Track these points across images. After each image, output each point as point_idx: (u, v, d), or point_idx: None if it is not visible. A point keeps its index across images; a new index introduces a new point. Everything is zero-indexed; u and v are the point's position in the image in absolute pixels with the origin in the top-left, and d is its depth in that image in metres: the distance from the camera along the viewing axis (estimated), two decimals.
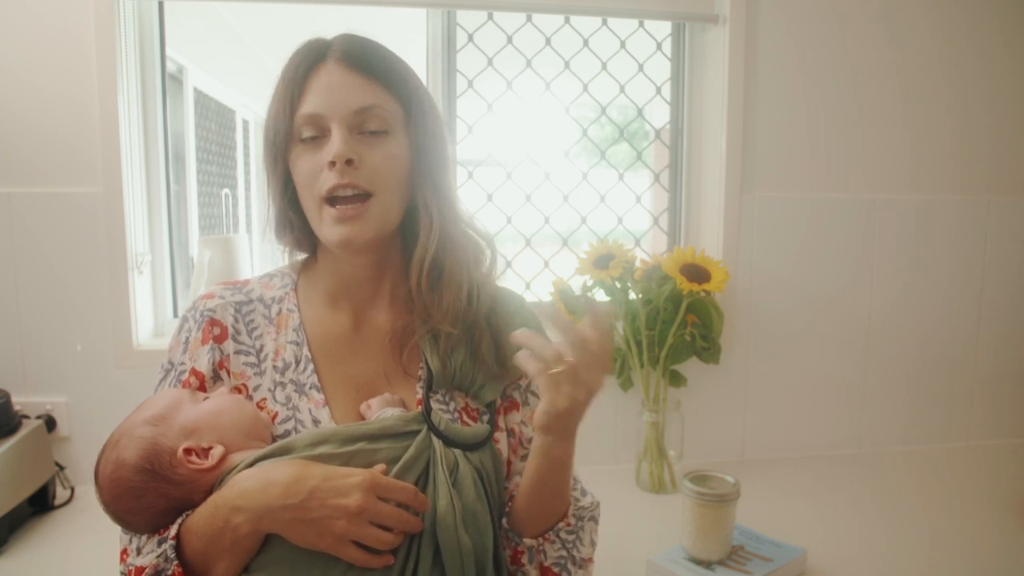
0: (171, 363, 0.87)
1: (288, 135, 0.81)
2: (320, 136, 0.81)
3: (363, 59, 0.82)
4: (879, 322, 1.77)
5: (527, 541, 0.84)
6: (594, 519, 0.90)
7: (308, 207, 0.83)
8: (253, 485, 0.72)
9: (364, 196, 0.80)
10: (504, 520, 0.86)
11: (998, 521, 1.40)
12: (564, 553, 0.85)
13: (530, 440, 0.91)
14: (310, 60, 0.82)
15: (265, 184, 0.87)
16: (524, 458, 0.92)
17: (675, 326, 1.52)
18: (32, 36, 1.42)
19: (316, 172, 0.80)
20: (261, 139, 0.86)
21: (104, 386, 1.49)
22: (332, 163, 0.79)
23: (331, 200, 0.81)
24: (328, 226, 0.81)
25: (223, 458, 0.77)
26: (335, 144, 0.79)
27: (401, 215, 0.85)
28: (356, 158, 0.79)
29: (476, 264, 0.88)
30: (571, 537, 0.85)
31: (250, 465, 0.76)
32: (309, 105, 0.80)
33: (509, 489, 0.89)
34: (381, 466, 0.76)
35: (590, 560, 0.88)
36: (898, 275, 1.77)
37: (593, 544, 0.90)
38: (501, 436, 0.89)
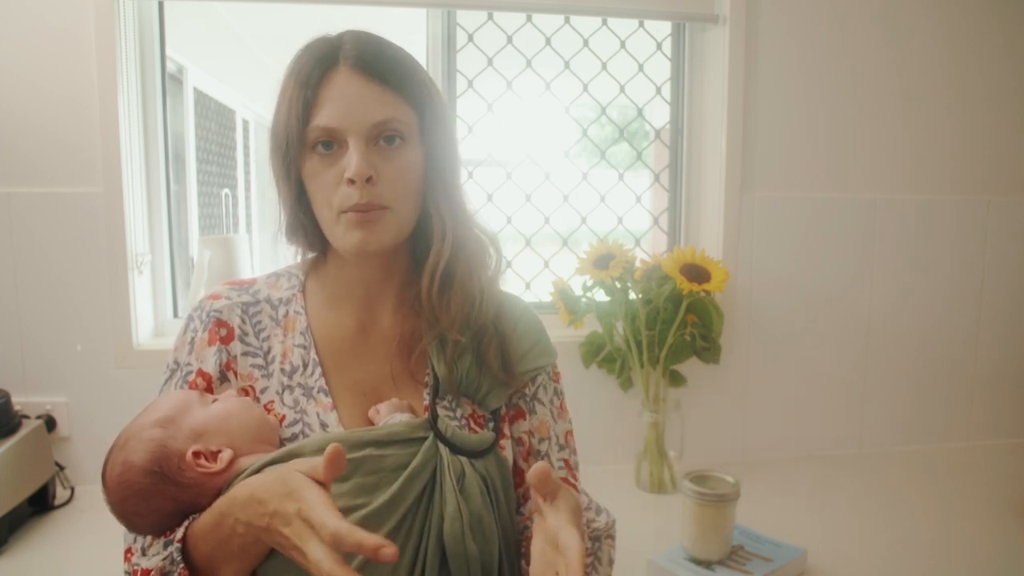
0: (177, 363, 0.87)
1: (301, 144, 0.79)
2: (336, 147, 0.79)
3: (378, 66, 0.80)
4: (879, 322, 1.77)
5: None
6: (611, 537, 0.89)
7: (323, 216, 0.82)
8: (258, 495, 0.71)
9: (381, 208, 0.79)
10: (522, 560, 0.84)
11: (998, 521, 1.40)
12: None
13: (537, 452, 0.91)
14: (323, 65, 0.79)
15: (274, 188, 0.85)
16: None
17: (675, 326, 1.52)
18: (32, 36, 1.42)
19: (333, 185, 0.79)
20: (267, 140, 0.84)
21: (104, 386, 1.49)
22: (351, 181, 0.77)
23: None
24: (345, 232, 0.80)
25: (232, 462, 0.77)
26: (354, 162, 0.77)
27: (415, 222, 0.85)
28: (375, 174, 0.78)
29: (483, 268, 0.88)
30: (589, 560, 0.85)
31: (258, 470, 0.75)
32: (324, 117, 0.78)
33: (525, 516, 0.88)
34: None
35: None
36: (898, 275, 1.77)
37: (611, 562, 0.89)
38: (507, 444, 0.88)
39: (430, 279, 0.84)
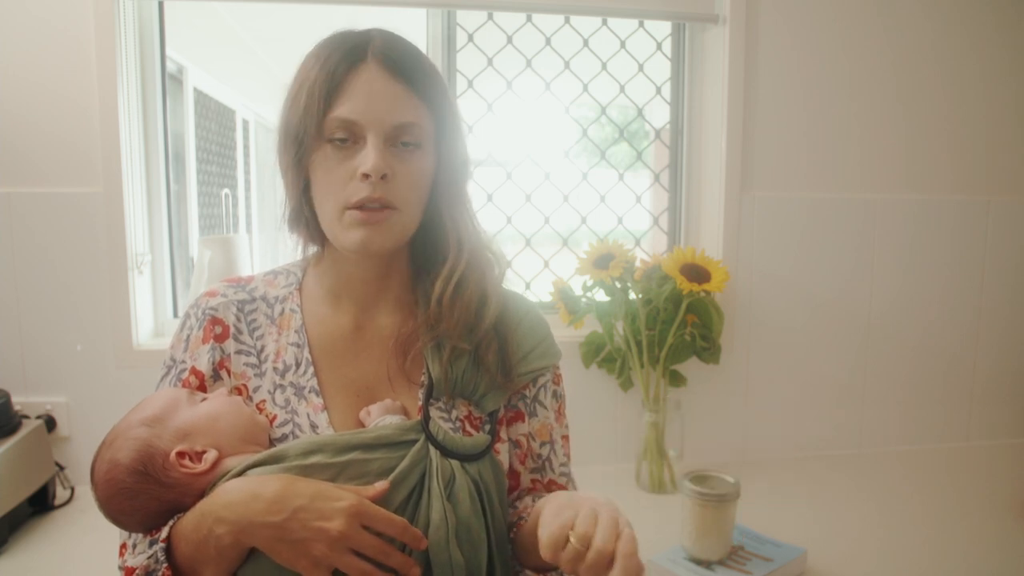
0: (172, 360, 0.87)
1: (317, 133, 0.78)
2: (352, 141, 0.78)
3: (405, 67, 0.79)
4: (879, 322, 1.77)
5: (528, 574, 0.84)
6: None
7: (327, 210, 0.80)
8: (238, 497, 0.70)
9: (390, 208, 0.79)
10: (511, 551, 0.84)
11: (998, 521, 1.40)
12: None
13: (538, 456, 0.91)
14: (351, 58, 0.78)
15: (280, 175, 0.85)
16: (534, 471, 0.91)
17: (675, 326, 1.52)
18: (32, 36, 1.42)
19: (345, 180, 0.78)
20: (275, 130, 0.83)
21: (104, 386, 1.49)
22: (366, 175, 0.77)
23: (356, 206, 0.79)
24: (348, 229, 0.79)
25: (217, 462, 0.77)
26: (371, 157, 0.76)
27: (417, 226, 0.84)
28: (390, 173, 0.77)
29: (491, 277, 0.87)
30: None
31: (241, 472, 0.75)
32: (346, 109, 0.77)
33: (518, 510, 0.88)
34: (382, 485, 0.74)
35: None
36: (898, 275, 1.77)
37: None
38: (503, 447, 0.87)
39: (443, 287, 0.83)
